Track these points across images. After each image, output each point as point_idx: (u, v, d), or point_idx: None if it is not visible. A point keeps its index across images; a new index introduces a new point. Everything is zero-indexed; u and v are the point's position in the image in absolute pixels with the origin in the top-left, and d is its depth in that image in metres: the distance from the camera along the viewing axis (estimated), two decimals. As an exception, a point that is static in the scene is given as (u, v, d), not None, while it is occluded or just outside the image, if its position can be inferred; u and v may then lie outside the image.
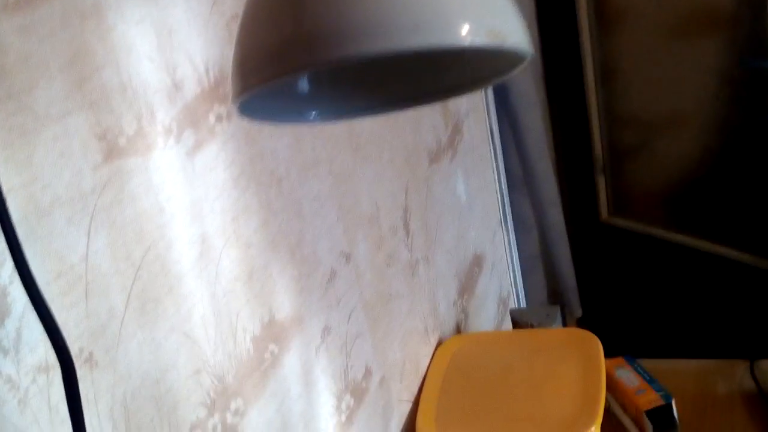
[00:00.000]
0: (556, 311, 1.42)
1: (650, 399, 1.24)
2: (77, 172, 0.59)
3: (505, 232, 1.90)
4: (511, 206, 2.03)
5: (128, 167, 0.65)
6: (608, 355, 1.30)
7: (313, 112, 0.49)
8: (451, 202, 1.48)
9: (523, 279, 2.13)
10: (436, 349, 1.32)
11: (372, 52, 0.31)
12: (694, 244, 2.25)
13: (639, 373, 1.31)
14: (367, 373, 1.06)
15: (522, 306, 2.05)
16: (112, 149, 0.63)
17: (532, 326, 1.41)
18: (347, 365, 1.00)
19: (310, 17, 0.32)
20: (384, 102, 0.49)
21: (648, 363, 1.38)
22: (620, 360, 1.36)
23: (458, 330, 1.45)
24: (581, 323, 2.43)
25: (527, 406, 1.16)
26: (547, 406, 1.14)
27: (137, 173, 0.66)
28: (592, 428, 1.06)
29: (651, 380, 1.28)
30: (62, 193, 0.58)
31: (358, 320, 1.04)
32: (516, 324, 1.46)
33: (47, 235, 0.56)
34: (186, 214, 0.71)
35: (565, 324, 2.35)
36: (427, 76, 0.48)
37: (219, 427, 0.73)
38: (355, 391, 1.02)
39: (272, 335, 0.83)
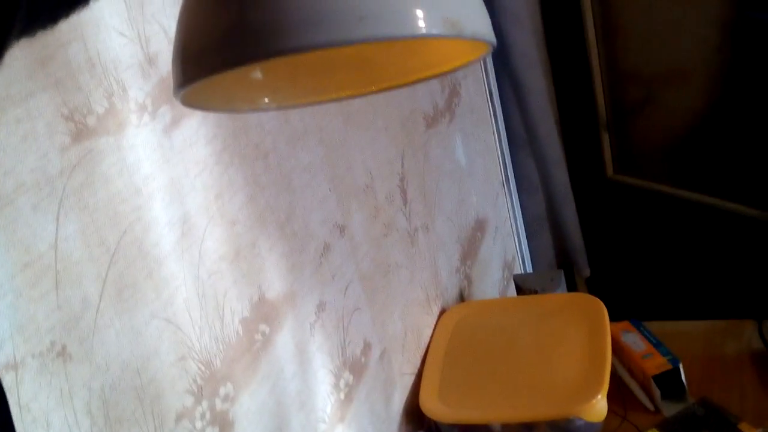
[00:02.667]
0: (560, 276, 1.39)
1: (657, 363, 1.21)
2: (43, 155, 0.56)
3: (507, 195, 1.87)
4: (514, 167, 1.99)
5: (99, 147, 0.61)
6: (616, 316, 1.27)
7: (266, 99, 0.45)
8: (451, 166, 1.45)
9: (528, 241, 2.10)
10: (438, 318, 1.30)
11: (316, 45, 0.28)
12: (701, 200, 2.22)
13: (645, 336, 1.28)
14: (366, 347, 1.03)
15: (528, 269, 2.03)
16: (81, 129, 0.60)
17: (536, 292, 1.38)
18: (345, 341, 0.98)
19: (254, 7, 0.29)
20: (346, 87, 0.45)
21: (655, 326, 1.35)
22: (626, 324, 1.33)
23: (461, 297, 1.42)
24: (589, 282, 2.41)
25: (533, 374, 1.13)
26: (553, 373, 1.12)
27: (109, 153, 0.62)
28: (599, 395, 1.04)
29: (657, 344, 1.26)
30: (27, 179, 0.54)
31: (355, 294, 1.02)
32: (520, 290, 1.43)
33: (11, 224, 0.53)
34: (165, 193, 0.68)
35: (573, 284, 2.33)
36: (391, 61, 0.44)
37: (208, 415, 0.70)
38: (354, 367, 0.99)
39: (262, 315, 0.81)
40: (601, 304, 1.19)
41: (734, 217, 2.11)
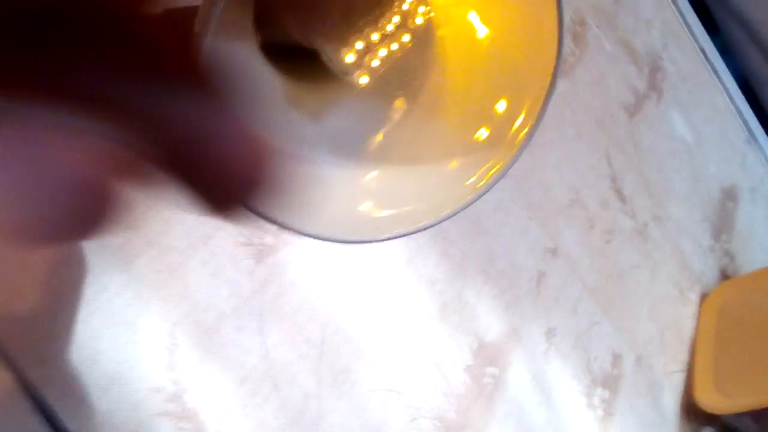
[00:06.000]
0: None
1: None
2: (234, 282, 0.66)
3: (758, 149, 1.71)
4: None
5: (282, 260, 0.70)
6: None
7: None
8: (671, 146, 1.37)
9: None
10: (699, 305, 1.22)
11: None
12: None
13: None
14: (616, 359, 1.01)
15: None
16: (262, 250, 0.69)
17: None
18: (588, 359, 0.97)
19: None
20: None
21: None
22: None
23: (725, 276, 1.33)
24: None
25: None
26: None
27: (293, 262, 0.71)
28: None
29: None
30: (225, 307, 0.64)
31: (587, 310, 1.01)
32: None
33: (222, 350, 0.62)
34: (353, 280, 0.75)
35: None
36: None
37: (449, 467, 0.75)
38: (606, 382, 0.98)
39: (487, 359, 0.84)
40: None
41: None
